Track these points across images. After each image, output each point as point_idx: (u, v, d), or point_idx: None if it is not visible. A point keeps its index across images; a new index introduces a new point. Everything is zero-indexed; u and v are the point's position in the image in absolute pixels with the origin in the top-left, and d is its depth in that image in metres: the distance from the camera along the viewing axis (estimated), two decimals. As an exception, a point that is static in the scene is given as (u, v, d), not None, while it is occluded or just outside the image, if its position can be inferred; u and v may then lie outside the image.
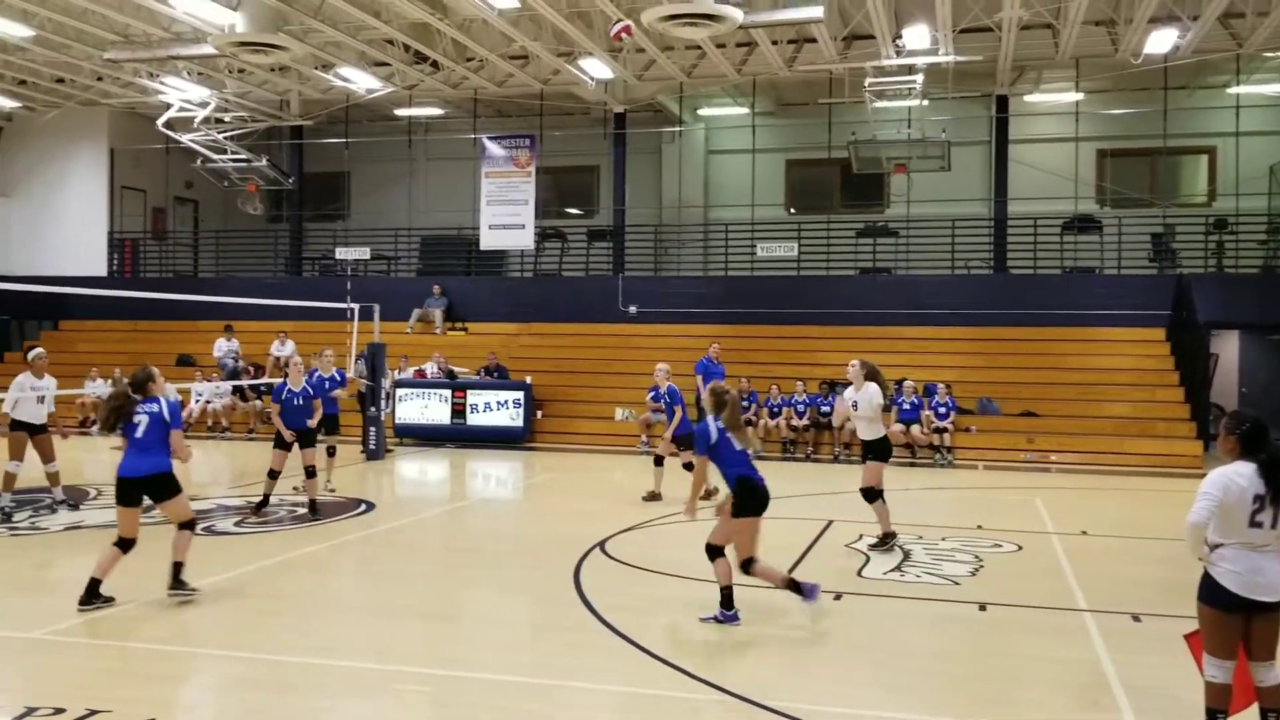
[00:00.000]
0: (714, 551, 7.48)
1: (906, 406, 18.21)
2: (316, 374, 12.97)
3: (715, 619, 7.42)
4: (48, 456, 11.93)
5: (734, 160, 26.62)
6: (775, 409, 18.99)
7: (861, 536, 10.72)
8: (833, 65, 20.89)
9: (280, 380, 12.72)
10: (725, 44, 20.64)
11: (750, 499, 7.43)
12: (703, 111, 26.71)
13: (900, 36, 18.29)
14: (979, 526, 11.62)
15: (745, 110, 25.34)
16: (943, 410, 18.17)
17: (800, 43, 20.93)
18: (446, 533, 11.93)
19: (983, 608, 8.09)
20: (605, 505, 12.87)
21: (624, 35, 16.14)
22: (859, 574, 9.21)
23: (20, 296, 24.99)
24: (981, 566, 9.57)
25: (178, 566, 7.97)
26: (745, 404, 18.93)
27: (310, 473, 11.83)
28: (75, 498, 12.68)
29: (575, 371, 21.70)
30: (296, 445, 11.85)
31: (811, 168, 26.35)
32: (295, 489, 13.23)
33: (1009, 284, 22.26)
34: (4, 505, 11.44)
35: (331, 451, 14.03)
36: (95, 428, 21.26)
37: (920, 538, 10.85)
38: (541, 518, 12.76)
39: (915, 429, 18.09)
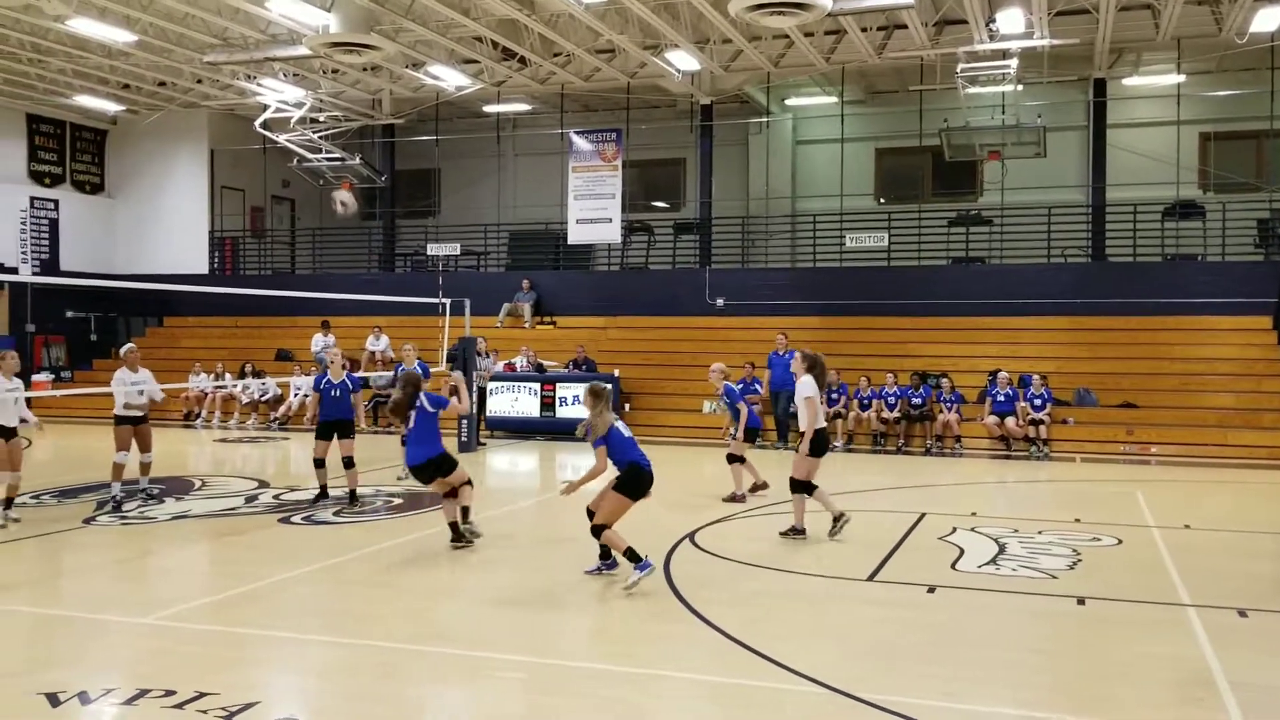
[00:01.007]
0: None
1: (1001, 398, 17.88)
2: (401, 368, 13.45)
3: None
4: (145, 447, 12.33)
5: (822, 150, 26.37)
6: (865, 401, 18.78)
7: (955, 530, 10.56)
8: (924, 51, 20.55)
9: (318, 372, 13.02)
10: (813, 32, 20.44)
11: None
12: (790, 101, 26.50)
13: (994, 21, 17.92)
14: (1077, 520, 11.35)
15: (834, 99, 25.07)
16: (1038, 402, 17.77)
17: (890, 29, 20.62)
18: (538, 523, 12.06)
19: (1081, 602, 7.90)
20: (694, 497, 12.87)
21: None
22: (953, 567, 9.07)
23: (128, 294, 26.03)
24: (1080, 560, 9.35)
25: (465, 511, 9.74)
26: (834, 396, 18.78)
27: (349, 463, 12.02)
28: (180, 489, 13.10)
29: (663, 364, 21.74)
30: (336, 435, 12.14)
31: (902, 156, 25.98)
32: (399, 479, 13.61)
33: (1107, 272, 21.69)
34: (115, 495, 11.87)
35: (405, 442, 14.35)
36: (200, 420, 21.96)
37: (1016, 531, 10.64)
38: (631, 509, 12.79)
39: (1010, 421, 17.74)
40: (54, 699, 5.55)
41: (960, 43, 19.45)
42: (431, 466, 9.59)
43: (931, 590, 8.18)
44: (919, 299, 21.80)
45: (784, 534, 10.21)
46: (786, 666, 6.23)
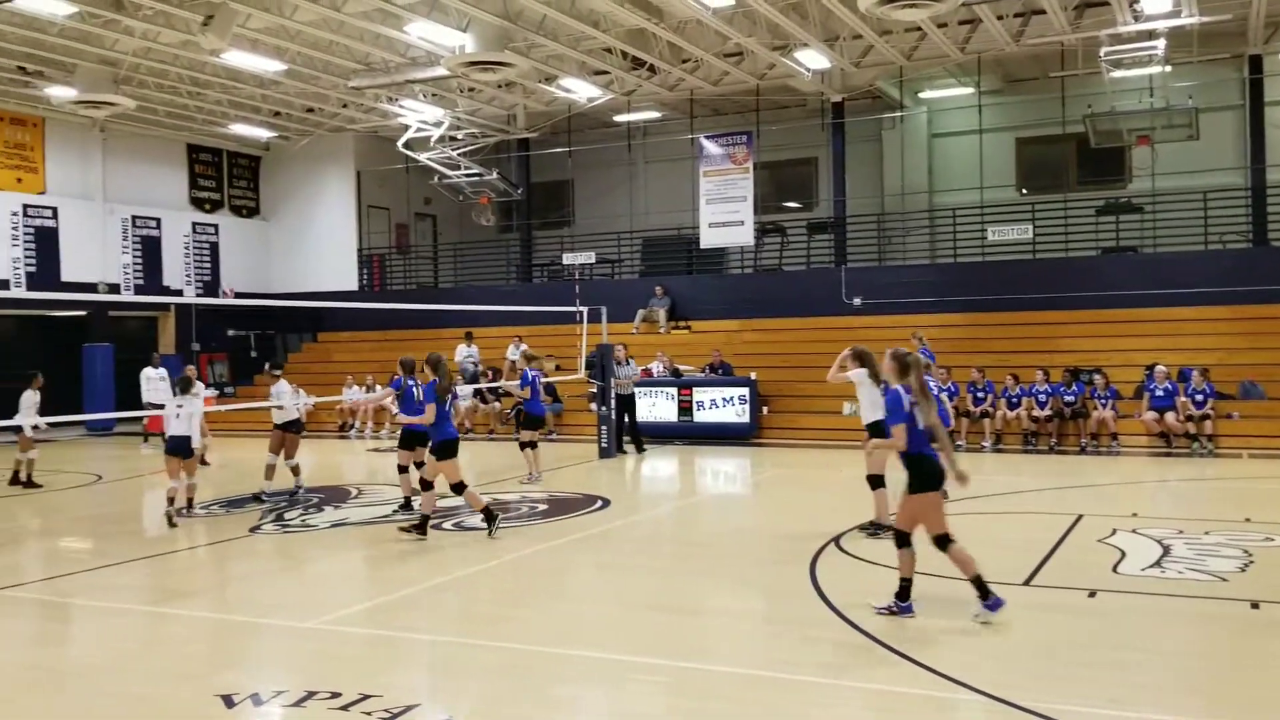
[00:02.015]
0: (902, 538, 7.27)
1: (1159, 393, 17.16)
2: (535, 374, 14.55)
3: (889, 610, 7.25)
4: (291, 454, 13.41)
5: (959, 142, 25.76)
6: (1014, 400, 18.24)
7: (1115, 531, 10.18)
8: (1064, 36, 19.89)
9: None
10: (946, 23, 20.00)
11: (928, 476, 7.17)
12: (924, 94, 25.98)
13: (1138, 1, 17.22)
14: (1247, 519, 10.79)
15: (970, 90, 24.47)
16: (1200, 397, 16.96)
17: (1027, 15, 20.01)
18: (680, 527, 12.10)
19: (1255, 605, 7.52)
20: (837, 500, 12.73)
21: None
22: (1114, 570, 8.73)
23: (284, 312, 27.20)
24: (1252, 562, 8.89)
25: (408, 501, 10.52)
26: (980, 395, 18.31)
27: (403, 469, 12.41)
28: (337, 498, 13.62)
29: (800, 366, 21.53)
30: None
31: (1044, 145, 25.17)
32: (526, 480, 13.91)
33: (1271, 257, 20.58)
34: (263, 494, 13.05)
35: (533, 445, 14.80)
36: (353, 431, 22.78)
37: (1181, 532, 10.18)
38: (773, 513, 12.76)
39: (1170, 417, 16.99)
40: (229, 700, 5.84)
41: (1103, 25, 18.75)
42: (456, 445, 10.46)
43: (1092, 594, 7.90)
44: (1068, 292, 21.06)
45: (864, 528, 10.24)
46: (942, 673, 6.10)
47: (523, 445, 14.90)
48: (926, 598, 7.97)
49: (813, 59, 21.07)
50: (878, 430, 10.22)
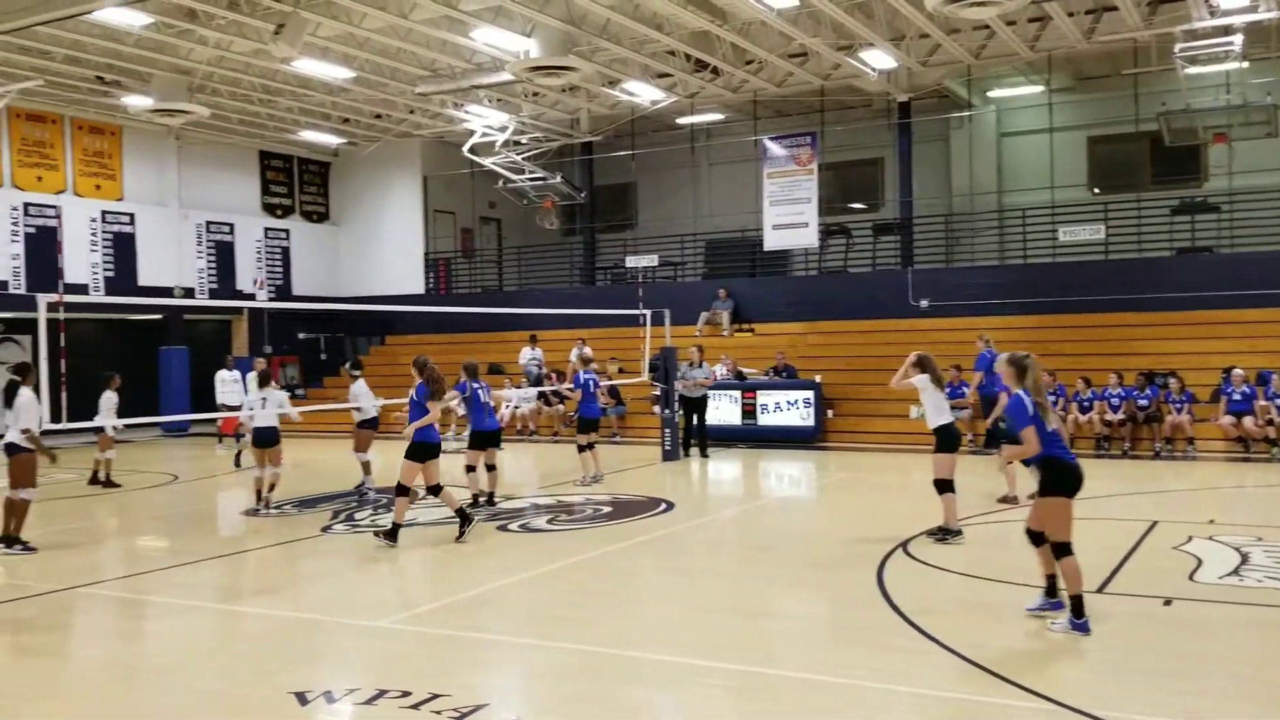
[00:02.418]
0: (1060, 549, 7.02)
1: (1237, 397, 16.74)
2: (589, 377, 14.80)
3: (1062, 629, 6.91)
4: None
5: (1029, 141, 25.38)
6: (1086, 404, 17.90)
7: (1191, 539, 9.95)
8: (1137, 33, 19.50)
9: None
10: (1015, 20, 19.71)
11: (1057, 478, 7.04)
12: (993, 93, 25.63)
13: (1214, -5, 16.84)
14: (1330, 527, 10.49)
15: (1040, 88, 24.11)
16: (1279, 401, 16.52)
17: (1099, 11, 19.64)
18: (746, 531, 12.07)
19: (1340, 616, 7.30)
20: (905, 505, 12.61)
21: None
22: (1191, 578, 8.54)
23: (352, 315, 27.64)
24: (1336, 571, 8.64)
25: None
26: (1052, 398, 17.97)
27: (470, 469, 12.82)
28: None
29: (866, 369, 21.33)
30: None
31: (1116, 144, 24.70)
32: (582, 482, 14.13)
33: (1354, 257, 19.96)
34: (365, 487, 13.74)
35: (590, 447, 14.93)
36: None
37: (1260, 539, 9.92)
38: (839, 518, 12.67)
39: (1248, 421, 16.56)
40: (302, 697, 5.95)
41: (1177, 21, 18.35)
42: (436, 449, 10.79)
43: (1168, 603, 7.73)
44: (1141, 293, 20.63)
45: (932, 533, 10.12)
46: (1015, 682, 6.01)
47: (580, 448, 14.96)
48: (993, 605, 7.87)
49: (878, 59, 20.90)
50: (944, 435, 10.19)
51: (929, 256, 24.53)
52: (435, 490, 10.73)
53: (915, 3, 17.42)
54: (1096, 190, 25.00)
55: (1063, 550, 6.98)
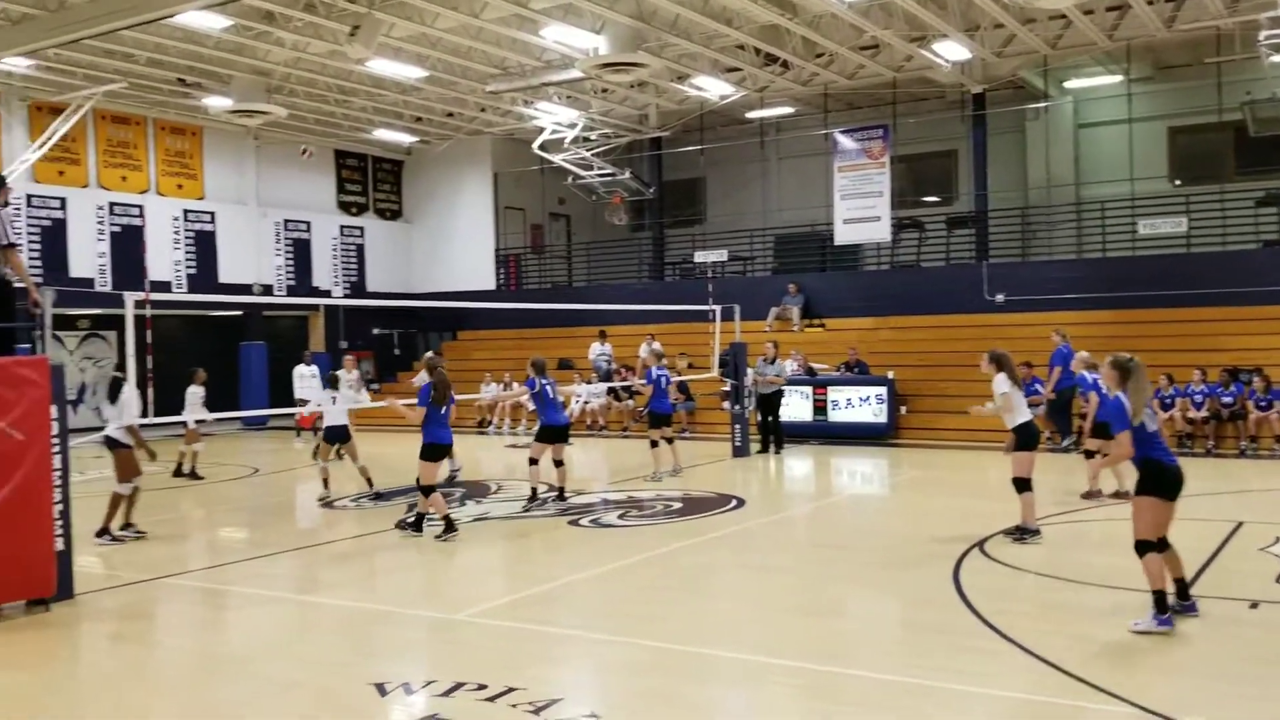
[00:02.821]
0: (1141, 547, 6.96)
1: (1325, 393, 16.22)
2: (660, 373, 14.95)
3: (1145, 626, 6.87)
4: None
5: (1107, 132, 24.84)
6: (1168, 400, 17.49)
7: (1278, 540, 9.69)
8: (1220, 20, 18.98)
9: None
10: (1093, 9, 19.31)
11: (1149, 478, 6.96)
12: (1070, 83, 25.11)
13: (1303, -20, 16.33)
14: None
15: (1119, 78, 23.57)
16: (1372, 396, 16.00)
17: (1180, -1, 19.18)
18: (817, 529, 12.01)
19: None
20: (980, 504, 12.45)
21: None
22: (1278, 580, 8.32)
23: (425, 311, 28.00)
24: None
25: (421, 517, 10.90)
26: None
27: (533, 461, 12.99)
28: (479, 493, 13.97)
29: (940, 365, 21.09)
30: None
31: (1198, 134, 24.06)
32: (652, 477, 14.17)
33: None
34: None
35: (667, 441, 15.04)
36: (492, 427, 23.30)
37: (1352, 541, 9.63)
38: (913, 516, 12.54)
39: (1337, 418, 16.06)
40: (381, 689, 6.07)
41: (1262, 8, 17.82)
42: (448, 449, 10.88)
43: (1254, 605, 7.55)
44: (1226, 287, 20.04)
45: (1009, 533, 9.97)
46: (1095, 685, 5.91)
47: (652, 443, 15.04)
48: (1071, 606, 7.75)
49: (952, 50, 20.61)
50: (1023, 433, 10.04)
51: (1004, 250, 24.14)
52: (427, 491, 10.79)
53: (990, -7, 17.16)
54: (1178, 182, 24.38)
55: (1143, 548, 6.92)
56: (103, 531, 10.64)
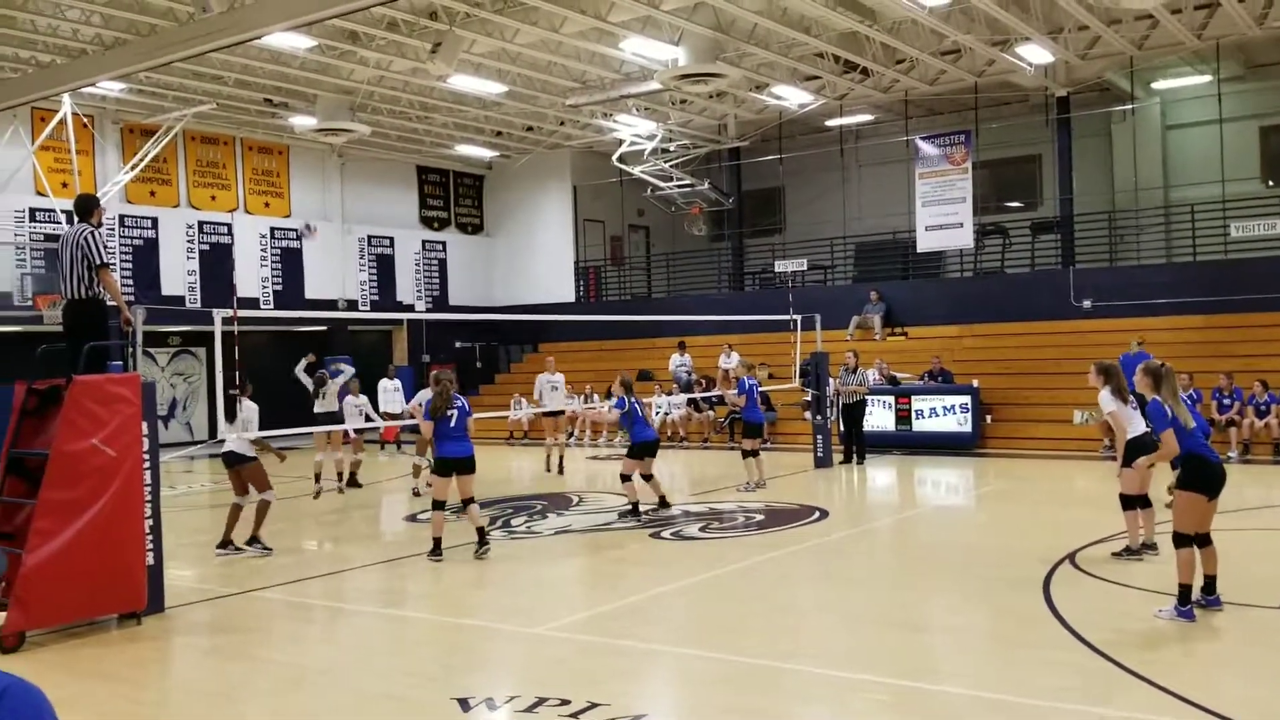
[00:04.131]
0: (1179, 539, 7.37)
1: None
2: (752, 383, 14.78)
3: (1168, 615, 7.33)
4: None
5: (1197, 134, 24.14)
6: (1263, 407, 16.91)
7: (1388, 553, 9.27)
8: (1317, 14, 18.33)
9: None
10: (1181, 8, 18.79)
11: (1193, 473, 7.36)
12: (1157, 84, 24.46)
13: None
14: None
15: (1208, 78, 22.88)
16: None
17: (1274, -6, 18.56)
18: (902, 541, 11.83)
19: None
20: (1070, 515, 12.14)
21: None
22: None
23: (506, 324, 28.28)
24: None
25: (482, 532, 10.54)
26: (1226, 402, 17.07)
27: (625, 478, 12.82)
28: (560, 505, 14.02)
29: (1026, 373, 20.68)
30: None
31: (1293, 133, 23.26)
32: (744, 488, 13.92)
33: None
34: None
35: (755, 453, 14.86)
36: (572, 439, 23.41)
37: None
38: (1000, 527, 12.28)
39: None
40: (465, 704, 6.09)
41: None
42: (470, 462, 10.58)
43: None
44: (1324, 290, 19.36)
45: (1118, 555, 9.51)
46: (1188, 699, 5.71)
47: (745, 454, 14.96)
48: (1168, 621, 7.49)
49: (1035, 53, 20.22)
50: (1130, 449, 9.45)
51: (1091, 255, 23.58)
52: (438, 506, 10.56)
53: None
54: (1271, 183, 23.59)
55: (1181, 540, 7.32)
56: (253, 540, 10.93)
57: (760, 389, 20.07)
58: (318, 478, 14.94)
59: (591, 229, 29.80)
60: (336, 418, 15.64)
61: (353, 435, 16.01)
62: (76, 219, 8.94)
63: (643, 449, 12.81)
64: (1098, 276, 22.23)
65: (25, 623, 7.46)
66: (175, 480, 17.87)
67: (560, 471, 17.36)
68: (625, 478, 12.82)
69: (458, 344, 29.00)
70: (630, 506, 12.66)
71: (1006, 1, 17.73)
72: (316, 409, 15.59)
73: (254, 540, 10.97)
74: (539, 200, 29.78)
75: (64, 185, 20.31)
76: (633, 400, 12.83)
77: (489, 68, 20.75)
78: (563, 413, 17.43)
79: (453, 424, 10.46)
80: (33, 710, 1.72)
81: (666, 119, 25.30)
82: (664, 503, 13.03)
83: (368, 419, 16.14)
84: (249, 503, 10.97)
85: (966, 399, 19.35)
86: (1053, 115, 23.54)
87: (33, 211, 21.19)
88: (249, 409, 10.88)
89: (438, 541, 10.43)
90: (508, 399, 23.85)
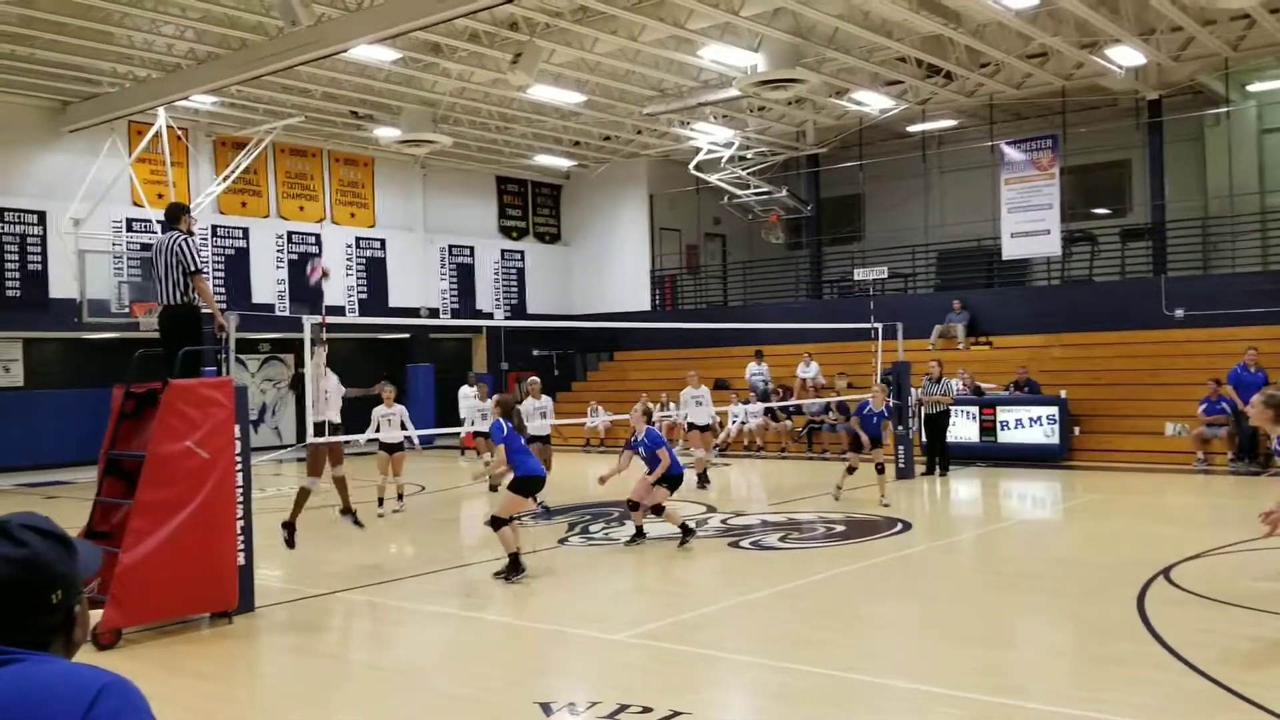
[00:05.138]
0: None
1: None
2: (866, 406, 14.33)
3: None
4: (546, 463, 13.94)
5: (1296, 137, 23.37)
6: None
7: None
8: None
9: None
10: (1279, 8, 18.22)
11: None
12: (1253, 87, 23.72)
13: None
14: None
15: (1308, 78, 22.15)
16: None
17: (1380, -9, 17.88)
18: (987, 554, 11.59)
19: None
20: (1162, 529, 11.80)
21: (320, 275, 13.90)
22: None
23: (583, 332, 28.42)
24: None
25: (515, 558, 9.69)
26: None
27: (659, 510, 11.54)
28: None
29: (1115, 384, 20.16)
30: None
31: (1401, 135, 22.38)
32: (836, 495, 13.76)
33: None
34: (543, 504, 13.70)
35: (880, 469, 14.44)
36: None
37: None
38: (1090, 541, 11.96)
39: None
40: (547, 708, 6.10)
41: None
42: (540, 482, 9.98)
43: None
44: None
45: None
46: (1298, 726, 5.49)
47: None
48: (1272, 640, 7.22)
49: (1126, 55, 19.75)
50: None
51: (1184, 263, 22.93)
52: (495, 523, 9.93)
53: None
54: (1376, 186, 22.73)
55: None
56: (288, 525, 10.73)
57: (837, 399, 20.01)
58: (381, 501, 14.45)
59: (668, 237, 29.82)
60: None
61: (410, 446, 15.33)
62: (167, 226, 9.16)
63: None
64: (1190, 284, 21.60)
65: (121, 620, 7.65)
66: (264, 483, 18.25)
67: (702, 485, 16.31)
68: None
69: (535, 352, 29.21)
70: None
71: (1096, 3, 17.34)
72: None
73: (346, 511, 11.25)
74: (616, 209, 29.90)
75: (159, 196, 20.90)
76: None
77: (568, 77, 20.88)
78: (709, 426, 16.86)
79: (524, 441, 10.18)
80: (131, 707, 1.74)
81: (744, 126, 25.21)
82: (687, 531, 11.35)
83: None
84: (322, 485, 11.12)
85: (1054, 410, 18.93)
86: (1143, 119, 22.96)
87: (129, 222, 21.86)
88: (332, 382, 11.01)
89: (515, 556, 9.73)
90: (584, 406, 23.95)
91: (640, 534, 11.58)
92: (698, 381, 17.25)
